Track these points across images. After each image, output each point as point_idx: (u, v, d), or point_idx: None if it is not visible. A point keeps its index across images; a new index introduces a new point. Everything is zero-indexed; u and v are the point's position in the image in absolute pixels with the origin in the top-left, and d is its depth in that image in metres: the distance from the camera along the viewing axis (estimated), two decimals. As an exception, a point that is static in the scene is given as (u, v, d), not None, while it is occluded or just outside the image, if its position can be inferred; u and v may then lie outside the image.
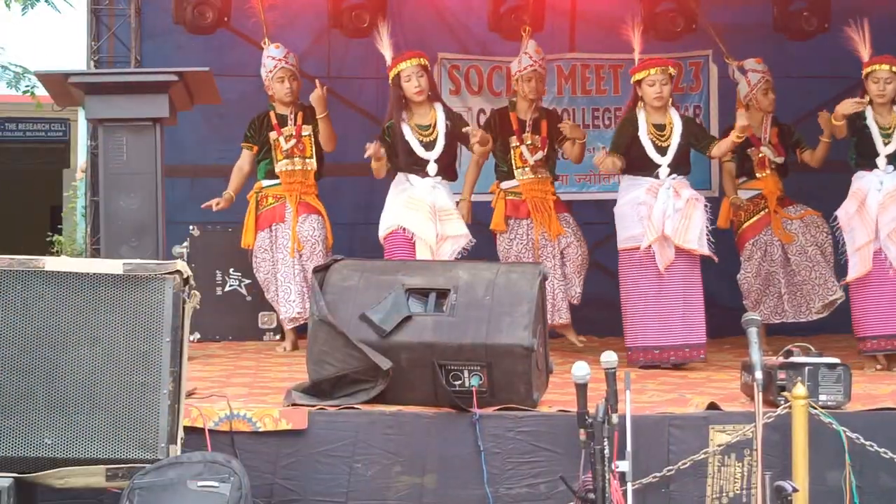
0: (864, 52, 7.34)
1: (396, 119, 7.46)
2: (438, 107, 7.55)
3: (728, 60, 8.33)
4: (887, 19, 9.17)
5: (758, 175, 8.11)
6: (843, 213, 7.36)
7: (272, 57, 8.18)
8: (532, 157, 8.05)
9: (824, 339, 8.10)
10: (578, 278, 8.14)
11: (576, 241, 8.12)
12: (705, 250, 7.27)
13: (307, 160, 8.21)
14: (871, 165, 7.30)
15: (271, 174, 8.23)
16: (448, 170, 7.58)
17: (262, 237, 8.20)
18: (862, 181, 7.33)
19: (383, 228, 7.49)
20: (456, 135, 7.54)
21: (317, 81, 8.08)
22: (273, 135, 8.18)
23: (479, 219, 9.34)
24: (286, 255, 8.11)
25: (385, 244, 7.49)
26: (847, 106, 7.27)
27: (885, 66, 7.26)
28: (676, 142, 7.38)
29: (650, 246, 7.26)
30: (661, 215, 7.22)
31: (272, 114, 8.22)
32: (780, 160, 8.14)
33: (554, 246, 8.03)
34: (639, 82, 7.42)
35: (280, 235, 8.17)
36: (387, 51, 7.56)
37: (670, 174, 7.35)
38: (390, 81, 7.52)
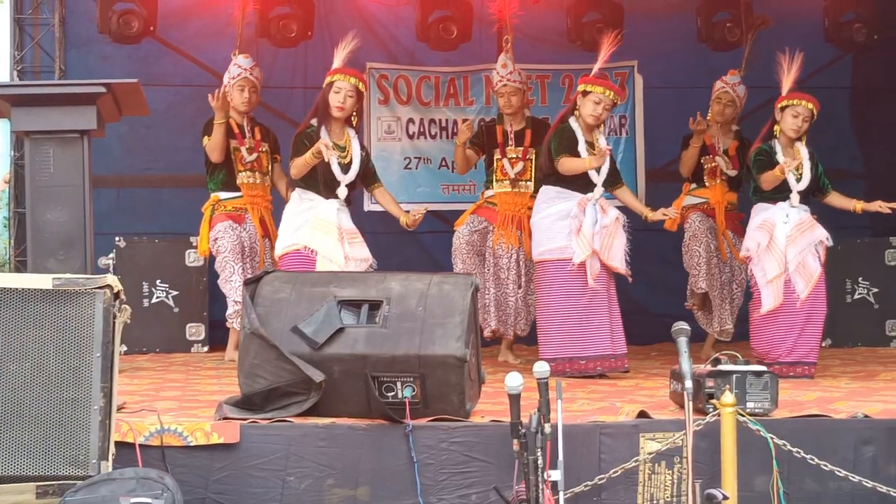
0: (787, 83, 7.42)
1: (318, 127, 7.27)
2: (353, 133, 7.39)
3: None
4: (805, 29, 9.40)
5: (707, 184, 8.25)
6: (755, 244, 7.43)
7: (238, 65, 8.14)
8: (513, 169, 8.09)
9: (748, 345, 8.23)
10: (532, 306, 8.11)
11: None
12: (623, 269, 7.34)
13: (265, 175, 8.18)
14: (777, 199, 7.41)
15: (228, 186, 8.11)
16: (352, 195, 7.46)
17: (220, 227, 8.01)
18: (767, 213, 7.42)
19: (281, 247, 7.26)
20: (364, 170, 7.41)
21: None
22: (234, 143, 8.09)
23: (412, 230, 9.37)
24: (257, 258, 8.06)
25: (281, 262, 7.23)
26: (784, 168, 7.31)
27: (811, 105, 7.36)
28: (608, 162, 7.41)
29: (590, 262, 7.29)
30: (591, 230, 7.27)
31: (232, 122, 8.08)
32: (732, 172, 8.27)
33: (510, 258, 8.04)
34: (585, 93, 7.39)
35: (244, 236, 8.05)
36: (339, 57, 7.36)
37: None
38: (324, 85, 7.35)
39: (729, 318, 8.35)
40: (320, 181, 7.26)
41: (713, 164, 8.29)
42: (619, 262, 7.31)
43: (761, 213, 7.47)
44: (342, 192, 7.29)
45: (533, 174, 8.10)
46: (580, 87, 7.43)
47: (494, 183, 8.14)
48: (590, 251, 7.24)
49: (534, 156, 8.09)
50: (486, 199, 8.19)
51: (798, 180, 7.40)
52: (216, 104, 7.87)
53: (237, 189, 8.12)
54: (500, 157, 8.11)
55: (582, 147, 7.36)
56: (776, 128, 7.45)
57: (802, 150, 7.43)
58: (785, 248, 7.30)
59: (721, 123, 8.35)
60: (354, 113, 7.37)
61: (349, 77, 7.26)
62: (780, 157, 7.39)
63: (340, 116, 7.30)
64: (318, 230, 7.20)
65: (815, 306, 7.40)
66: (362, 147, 7.48)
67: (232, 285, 7.97)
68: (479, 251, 8.08)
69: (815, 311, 7.41)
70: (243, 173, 8.11)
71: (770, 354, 7.42)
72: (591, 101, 7.35)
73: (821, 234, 7.37)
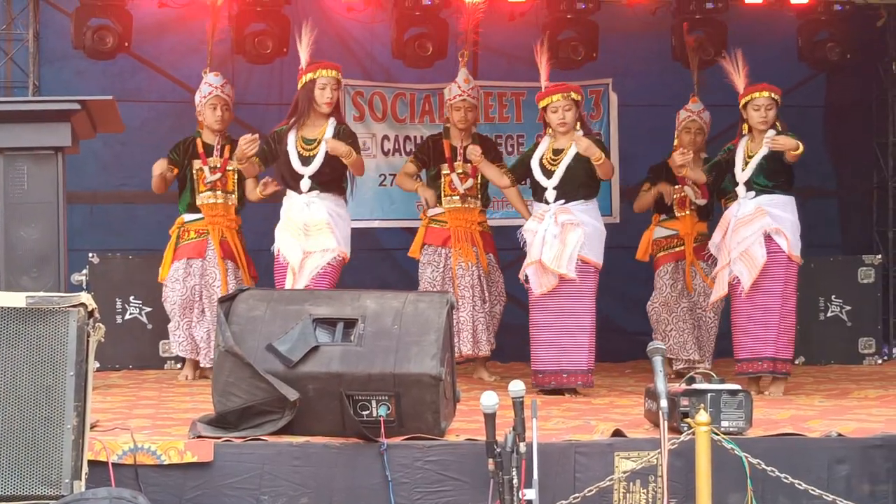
0: (740, 83, 7.51)
1: (292, 125, 7.37)
2: (331, 123, 7.43)
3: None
4: (779, 48, 9.46)
5: (677, 214, 8.26)
6: (712, 244, 7.63)
7: (209, 83, 8.11)
8: (462, 185, 8.09)
9: (724, 363, 8.25)
10: (494, 318, 8.14)
11: (500, 276, 8.14)
12: (571, 273, 7.26)
13: (229, 194, 8.11)
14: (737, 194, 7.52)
15: (193, 208, 8.10)
16: (331, 185, 7.45)
17: (177, 267, 8.06)
18: (727, 210, 7.56)
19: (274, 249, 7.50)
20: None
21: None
22: (197, 163, 8.06)
23: (386, 246, 9.38)
24: (215, 294, 7.88)
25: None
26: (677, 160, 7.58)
27: (766, 94, 7.43)
28: (566, 164, 7.40)
29: (530, 269, 7.37)
30: (541, 241, 7.31)
31: (199, 141, 8.09)
32: (701, 202, 8.26)
33: (472, 276, 8.04)
34: (544, 109, 7.49)
35: (204, 273, 8.01)
36: (304, 52, 7.43)
37: (559, 198, 7.40)
38: (301, 85, 7.38)
39: (695, 349, 8.28)
40: (287, 176, 7.39)
41: (682, 194, 8.28)
42: (565, 268, 7.26)
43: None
44: (305, 183, 7.34)
45: (480, 190, 8.15)
46: (539, 107, 7.58)
47: (443, 199, 8.13)
48: (530, 261, 7.33)
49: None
50: (433, 217, 8.16)
51: (742, 170, 7.45)
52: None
53: (198, 210, 8.11)
54: (448, 172, 8.11)
55: (536, 156, 7.50)
56: (744, 126, 7.52)
57: (766, 140, 7.43)
58: (729, 240, 7.37)
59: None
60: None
61: (330, 70, 7.35)
62: (739, 151, 7.48)
63: (329, 111, 7.35)
64: (283, 230, 7.37)
65: (765, 299, 7.35)
66: (336, 134, 7.38)
67: (175, 337, 8.09)
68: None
69: (765, 304, 7.35)
70: (204, 193, 8.07)
71: (736, 352, 7.49)
72: (549, 112, 7.48)
73: (765, 221, 7.33)
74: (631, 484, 5.52)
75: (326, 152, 7.35)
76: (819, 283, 9.07)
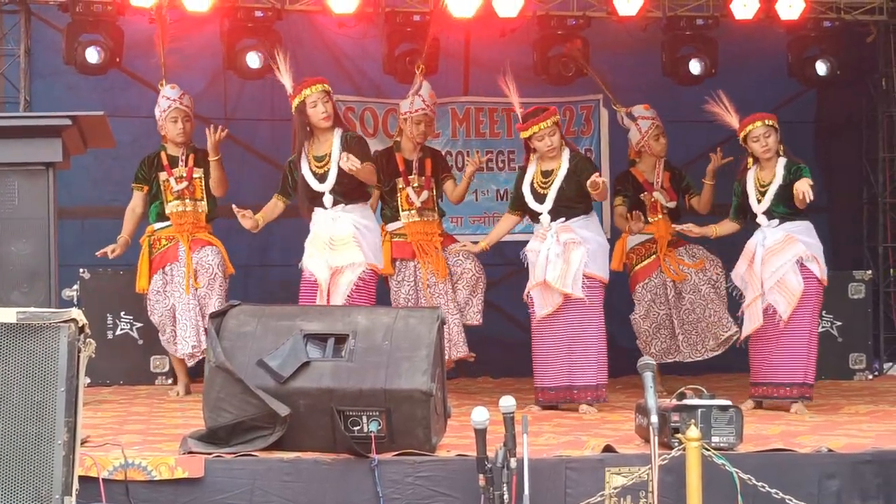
0: (733, 119, 7.52)
1: (299, 150, 7.34)
2: (337, 133, 7.35)
3: (616, 107, 8.50)
4: (769, 64, 9.49)
5: (650, 219, 8.27)
6: (736, 274, 7.60)
7: (167, 97, 8.14)
8: (418, 198, 8.07)
9: (714, 378, 8.27)
10: (475, 297, 8.08)
11: (467, 261, 8.03)
12: (578, 292, 7.28)
13: (198, 202, 8.17)
14: (756, 224, 7.51)
15: (162, 216, 8.18)
16: (353, 194, 7.35)
17: (156, 279, 8.11)
18: (751, 240, 7.53)
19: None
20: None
21: (212, 126, 7.98)
22: (163, 175, 8.14)
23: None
24: (182, 293, 8.01)
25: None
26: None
27: (759, 123, 7.43)
28: (556, 187, 7.40)
29: (535, 290, 7.36)
30: (545, 262, 7.31)
31: (163, 154, 8.18)
32: (671, 205, 8.31)
33: (445, 283, 8.03)
34: (528, 138, 7.48)
35: (175, 274, 8.07)
36: (286, 78, 7.41)
37: (556, 219, 7.40)
38: (294, 109, 7.33)
39: (686, 348, 8.28)
40: (310, 198, 7.32)
41: (653, 200, 8.30)
42: (570, 287, 7.27)
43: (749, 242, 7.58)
44: (327, 199, 7.30)
45: (436, 204, 8.15)
46: (521, 137, 7.58)
47: (401, 213, 8.09)
48: (535, 282, 7.33)
49: (434, 185, 8.12)
50: (393, 232, 8.10)
51: (759, 202, 7.46)
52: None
53: (168, 219, 8.18)
54: (403, 186, 8.08)
55: (527, 181, 7.49)
56: (750, 160, 7.53)
57: (778, 170, 7.44)
58: (760, 270, 7.35)
59: (656, 157, 8.35)
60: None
61: (314, 85, 7.27)
62: (749, 181, 7.49)
63: (329, 125, 7.29)
64: (310, 246, 7.31)
65: (796, 324, 7.35)
66: (343, 142, 7.29)
67: (169, 342, 8.12)
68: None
69: (795, 329, 7.36)
70: (172, 202, 8.14)
71: (756, 376, 7.48)
72: (535, 141, 7.45)
73: (800, 249, 7.35)
74: (622, 499, 5.52)
75: (338, 163, 7.28)
76: (809, 299, 9.07)
